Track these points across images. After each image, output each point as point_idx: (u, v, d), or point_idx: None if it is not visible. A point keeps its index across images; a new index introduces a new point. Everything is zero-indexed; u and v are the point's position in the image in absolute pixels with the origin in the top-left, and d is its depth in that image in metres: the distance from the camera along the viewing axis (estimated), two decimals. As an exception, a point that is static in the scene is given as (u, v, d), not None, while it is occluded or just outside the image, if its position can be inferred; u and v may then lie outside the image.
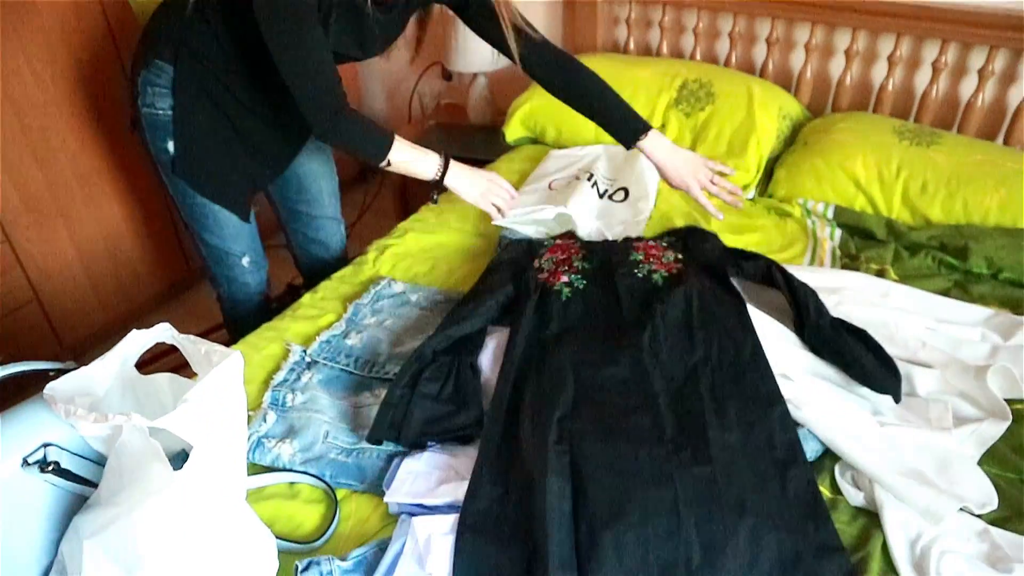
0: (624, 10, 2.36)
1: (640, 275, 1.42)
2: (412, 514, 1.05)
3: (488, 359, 1.32)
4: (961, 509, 1.04)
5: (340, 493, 1.13)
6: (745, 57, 2.26)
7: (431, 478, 1.10)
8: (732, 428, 1.12)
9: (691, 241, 1.54)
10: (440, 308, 1.51)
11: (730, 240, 1.69)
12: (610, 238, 1.63)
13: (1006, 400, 1.20)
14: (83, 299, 2.26)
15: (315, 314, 1.53)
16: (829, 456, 1.14)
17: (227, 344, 1.39)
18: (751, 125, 1.95)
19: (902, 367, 1.24)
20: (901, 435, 1.14)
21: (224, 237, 1.64)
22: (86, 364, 0.96)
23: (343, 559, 0.98)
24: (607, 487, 1.01)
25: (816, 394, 1.21)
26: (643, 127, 1.65)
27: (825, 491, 1.09)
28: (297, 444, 1.18)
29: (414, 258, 1.72)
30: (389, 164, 1.48)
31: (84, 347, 2.27)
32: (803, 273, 1.44)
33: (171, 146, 1.50)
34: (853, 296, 1.44)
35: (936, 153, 1.76)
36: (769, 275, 1.42)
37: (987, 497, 1.06)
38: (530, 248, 1.57)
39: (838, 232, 1.74)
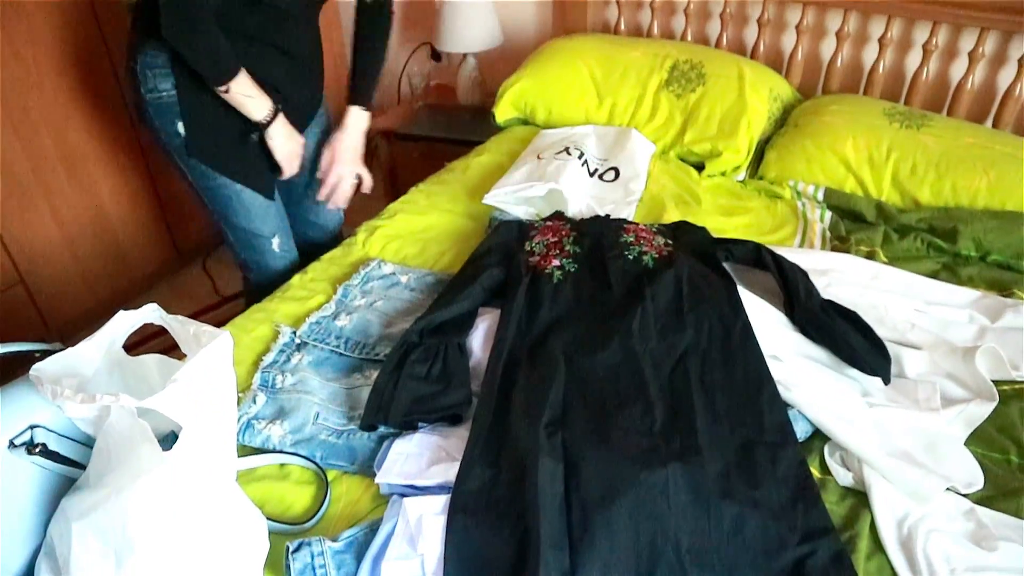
0: (615, -10, 2.34)
1: (631, 256, 1.41)
2: (403, 495, 1.05)
3: (479, 341, 1.32)
4: (948, 489, 1.06)
5: (331, 474, 1.13)
6: (736, 38, 2.25)
7: (422, 459, 1.10)
8: (721, 419, 1.12)
9: (680, 232, 1.54)
10: (430, 289, 1.50)
11: (721, 222, 1.70)
12: (600, 213, 1.63)
13: (993, 381, 1.21)
14: (69, 281, 2.24)
15: (305, 295, 1.52)
16: (818, 436, 1.15)
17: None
18: (742, 107, 1.94)
19: (891, 348, 1.25)
20: (890, 416, 1.15)
21: (251, 218, 1.64)
22: (73, 346, 0.96)
23: (334, 540, 0.98)
24: (599, 471, 1.02)
25: (806, 375, 1.21)
26: (363, 100, 1.74)
27: (814, 471, 1.10)
28: (287, 425, 1.18)
29: (404, 239, 1.71)
30: (228, 91, 1.47)
31: (71, 330, 2.25)
32: (793, 255, 1.45)
33: (181, 127, 1.50)
34: (842, 278, 1.45)
35: (926, 135, 1.76)
36: (759, 258, 1.43)
37: (973, 477, 1.07)
38: (520, 230, 1.56)
39: (828, 214, 1.75)
